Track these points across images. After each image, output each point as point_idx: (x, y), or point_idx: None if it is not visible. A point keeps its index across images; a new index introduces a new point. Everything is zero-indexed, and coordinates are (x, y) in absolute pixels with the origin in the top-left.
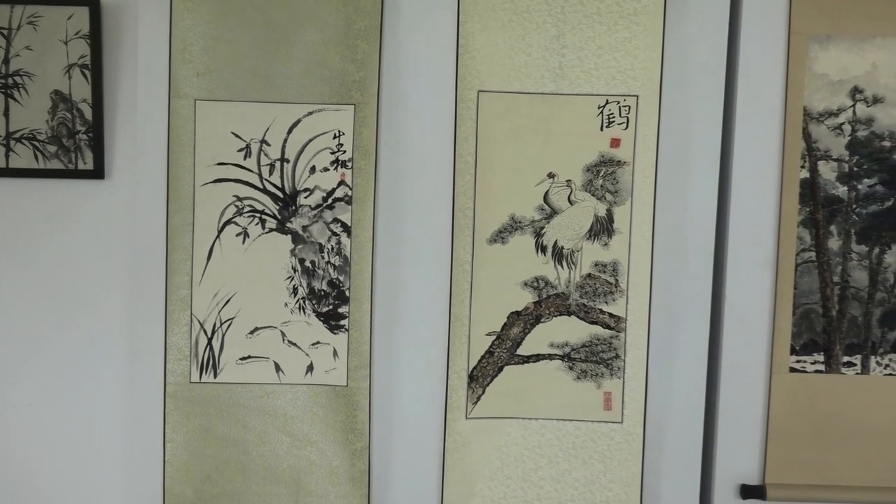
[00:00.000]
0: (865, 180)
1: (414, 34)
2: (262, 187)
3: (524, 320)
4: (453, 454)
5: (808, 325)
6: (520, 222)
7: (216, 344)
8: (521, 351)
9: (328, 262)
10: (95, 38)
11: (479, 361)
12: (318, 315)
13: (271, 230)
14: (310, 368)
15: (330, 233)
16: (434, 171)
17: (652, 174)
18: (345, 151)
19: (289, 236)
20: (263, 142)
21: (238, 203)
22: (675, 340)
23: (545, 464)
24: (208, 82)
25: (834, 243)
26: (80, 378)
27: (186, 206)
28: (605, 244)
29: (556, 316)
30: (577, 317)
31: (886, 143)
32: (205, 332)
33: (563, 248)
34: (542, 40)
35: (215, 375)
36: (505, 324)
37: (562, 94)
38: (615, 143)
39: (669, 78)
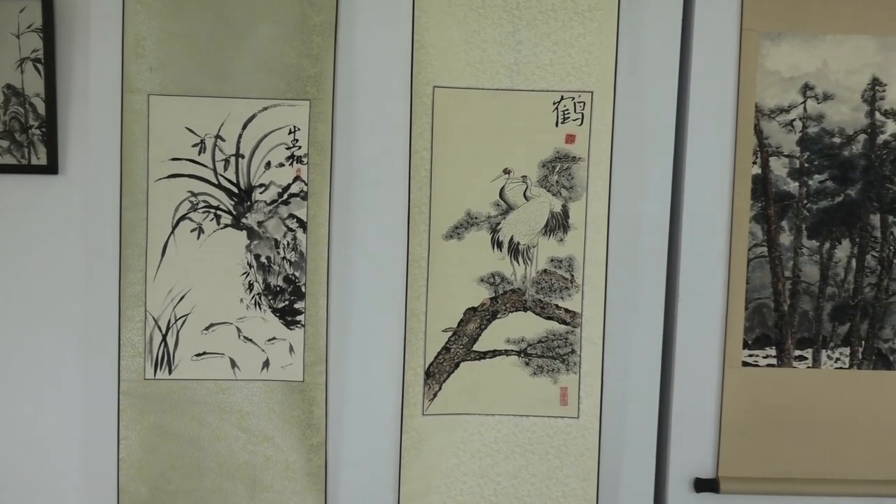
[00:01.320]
0: (816, 176)
1: (369, 30)
2: (216, 183)
3: (480, 316)
4: (410, 450)
5: (760, 320)
6: (476, 218)
7: (171, 340)
8: (478, 347)
9: (284, 258)
10: (48, 31)
11: (436, 357)
12: (274, 311)
13: (226, 226)
14: (266, 364)
15: (285, 228)
16: (389, 167)
17: (606, 170)
18: (300, 147)
19: (244, 232)
20: (218, 137)
21: (192, 199)
22: (630, 335)
23: (502, 459)
24: (162, 77)
25: (785, 238)
26: (34, 376)
27: (140, 201)
28: (561, 240)
29: (512, 312)
30: (534, 312)
31: (836, 140)
32: (159, 328)
33: (518, 243)
34: (497, 36)
35: (170, 372)
36: (461, 320)
37: (517, 90)
38: (570, 138)
39: (623, 74)
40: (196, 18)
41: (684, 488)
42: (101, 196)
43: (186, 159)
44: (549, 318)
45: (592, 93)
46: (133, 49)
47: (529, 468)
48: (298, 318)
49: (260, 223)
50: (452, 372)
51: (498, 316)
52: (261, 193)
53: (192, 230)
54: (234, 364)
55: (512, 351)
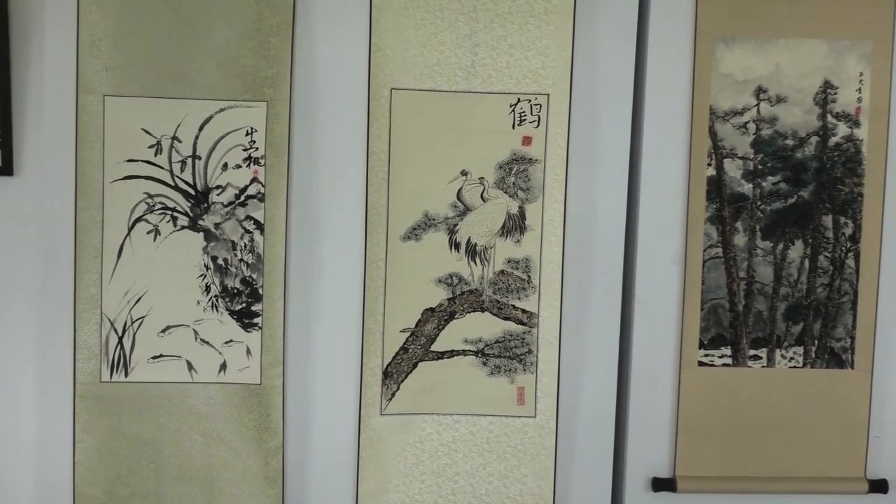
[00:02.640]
0: (769, 178)
1: (326, 31)
2: (173, 184)
3: (438, 317)
4: (368, 450)
5: (715, 320)
6: (433, 219)
7: (127, 343)
8: (436, 347)
9: (241, 260)
10: (2, 31)
11: (394, 358)
12: (232, 313)
13: (183, 228)
14: (223, 367)
15: (243, 230)
16: (347, 169)
17: (563, 172)
18: (257, 148)
19: (201, 234)
20: (175, 138)
21: (149, 200)
22: (587, 335)
23: (460, 459)
24: (118, 78)
25: (740, 239)
26: None
27: (95, 203)
28: (518, 241)
29: (469, 312)
30: (491, 313)
31: (789, 142)
32: (115, 330)
33: (476, 244)
34: (455, 39)
35: (126, 375)
36: (419, 320)
37: (474, 93)
38: (527, 140)
39: (580, 77)
40: (152, 19)
41: (641, 488)
42: (56, 197)
43: (142, 161)
44: (506, 318)
45: (549, 95)
46: (88, 49)
47: (487, 467)
48: (256, 320)
49: (217, 225)
50: (410, 372)
51: (455, 316)
52: (218, 195)
53: (149, 232)
54: (191, 367)
55: (469, 351)
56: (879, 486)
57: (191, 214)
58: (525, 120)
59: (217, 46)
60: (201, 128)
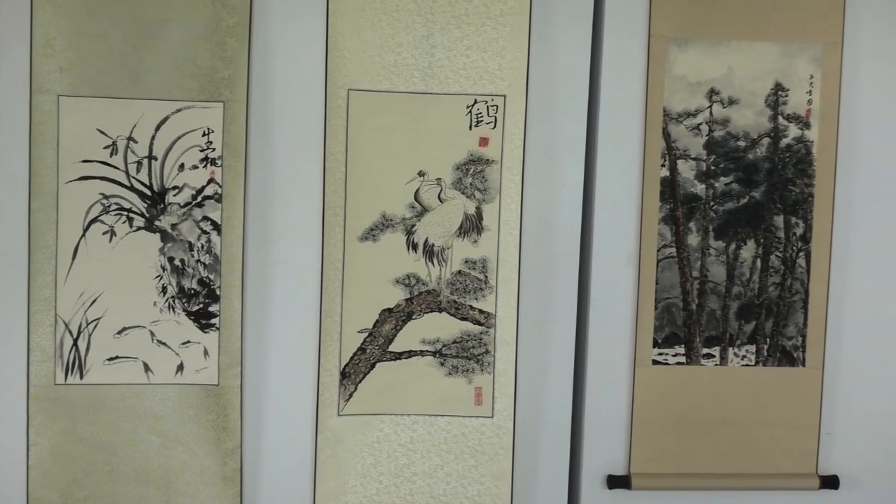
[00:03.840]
0: (722, 178)
1: (283, 32)
2: (129, 185)
3: (396, 317)
4: (325, 451)
5: (669, 319)
6: (391, 220)
7: (82, 344)
8: (394, 348)
9: (198, 261)
10: None
11: (352, 358)
12: (189, 314)
13: (139, 228)
14: (180, 368)
15: (200, 231)
16: (305, 169)
17: (519, 172)
18: (214, 149)
19: (157, 235)
20: (130, 139)
21: (104, 201)
22: (544, 335)
23: (417, 459)
24: (72, 78)
25: (693, 239)
26: None
27: (49, 203)
28: (475, 241)
29: (427, 312)
30: (448, 313)
31: (741, 143)
32: (70, 332)
33: (433, 245)
34: (412, 40)
35: (81, 377)
36: (377, 321)
37: (431, 94)
38: (483, 141)
39: (536, 78)
40: (107, 19)
41: (597, 485)
42: (9, 198)
43: (98, 161)
44: (463, 318)
45: (505, 96)
46: (42, 49)
47: (445, 467)
48: (213, 321)
49: (174, 226)
50: (368, 373)
51: (413, 317)
52: (174, 196)
53: (104, 233)
54: (147, 368)
55: (427, 351)
56: (830, 483)
57: (147, 215)
58: (482, 121)
59: (173, 47)
60: (157, 128)
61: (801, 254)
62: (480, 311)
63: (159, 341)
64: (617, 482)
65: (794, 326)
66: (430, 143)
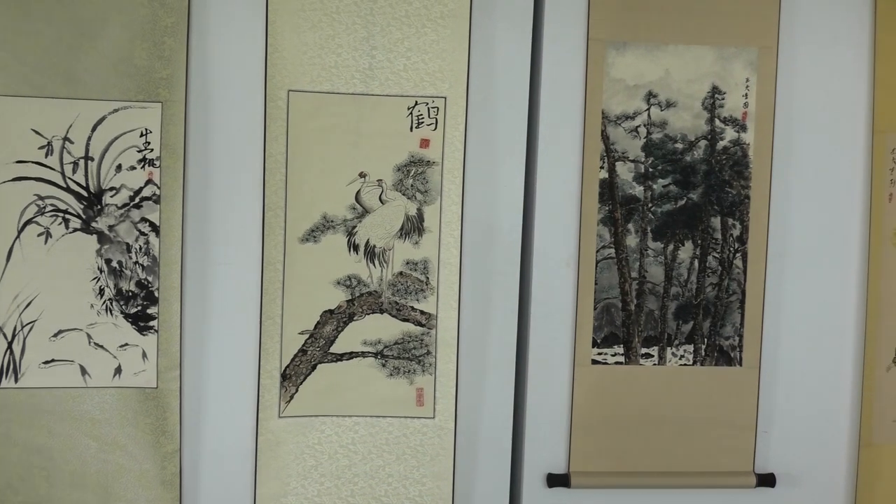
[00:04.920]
0: (660, 180)
1: (222, 32)
2: (65, 186)
3: (337, 319)
4: (266, 453)
5: (608, 319)
6: (332, 221)
7: (17, 348)
8: (335, 349)
9: (136, 263)
10: None
11: (292, 360)
12: (126, 316)
13: (75, 230)
14: (118, 371)
15: (138, 232)
16: (244, 171)
17: (460, 174)
18: (152, 150)
19: (94, 236)
20: (66, 139)
21: (39, 202)
22: (485, 336)
23: (359, 460)
24: (6, 77)
25: (632, 240)
26: None
27: None
28: (416, 243)
29: (368, 314)
30: (390, 314)
31: (679, 146)
32: (4, 335)
33: (374, 246)
34: (352, 41)
35: (16, 380)
36: (318, 322)
37: (372, 95)
38: (424, 143)
39: (476, 80)
40: (42, 17)
41: (538, 484)
42: None
43: (33, 162)
44: (405, 319)
45: (446, 98)
46: None
47: (386, 468)
48: (151, 323)
49: (111, 227)
50: (309, 374)
51: (354, 318)
52: (111, 197)
53: (40, 234)
54: (84, 371)
55: (368, 353)
56: (767, 481)
57: (83, 216)
58: (423, 123)
59: (110, 46)
60: (94, 129)
61: (738, 255)
62: (422, 313)
63: (96, 344)
64: (557, 481)
65: (731, 326)
66: (371, 144)
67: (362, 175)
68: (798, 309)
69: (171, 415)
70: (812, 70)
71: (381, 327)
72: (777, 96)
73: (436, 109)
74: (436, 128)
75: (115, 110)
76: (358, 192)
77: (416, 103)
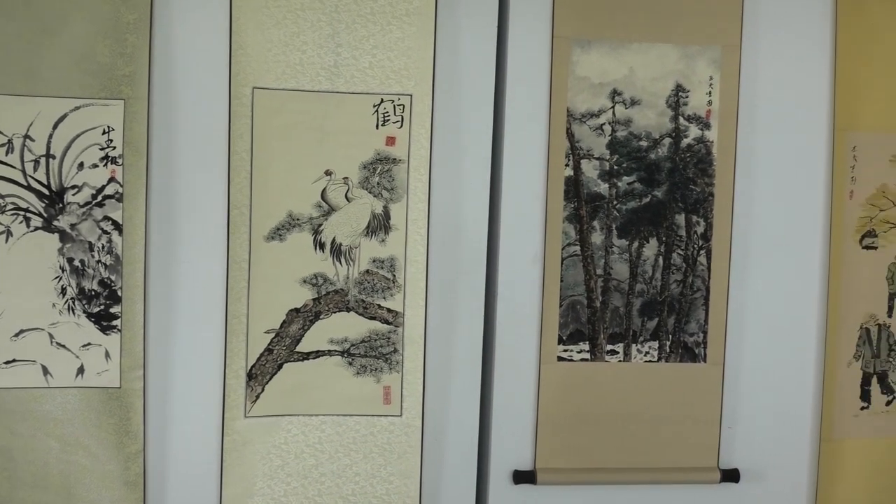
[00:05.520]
0: (625, 178)
1: (186, 29)
2: (26, 184)
3: (303, 317)
4: (232, 453)
5: (574, 316)
6: (297, 219)
7: None
8: (301, 348)
9: (99, 262)
10: None
11: (258, 359)
12: (89, 315)
13: (37, 228)
14: (80, 371)
15: (100, 231)
16: (209, 169)
17: (426, 172)
18: (115, 147)
19: (56, 235)
20: (27, 137)
21: (0, 200)
22: (452, 334)
23: (326, 459)
24: None
25: (597, 238)
26: None
27: None
28: (383, 240)
29: (335, 312)
30: (356, 312)
31: (643, 143)
32: None
33: (341, 244)
34: (317, 39)
35: None
36: (284, 321)
37: (337, 93)
38: (390, 141)
39: (442, 78)
40: (2, 14)
41: (504, 481)
42: None
43: None
44: (371, 317)
45: (412, 96)
46: None
47: (353, 467)
48: (115, 322)
49: (73, 226)
50: (275, 373)
51: (321, 317)
52: (73, 195)
53: (0, 233)
54: (46, 371)
55: (335, 351)
56: (731, 476)
57: (45, 215)
58: (388, 120)
59: (71, 43)
60: (55, 126)
61: (702, 252)
62: (388, 310)
63: (59, 344)
64: (523, 477)
65: (696, 323)
66: (336, 142)
67: (328, 173)
68: (761, 305)
69: (135, 415)
70: (775, 68)
71: (347, 325)
72: (740, 94)
73: (402, 107)
74: (402, 125)
75: (77, 108)
76: (324, 190)
77: (382, 101)
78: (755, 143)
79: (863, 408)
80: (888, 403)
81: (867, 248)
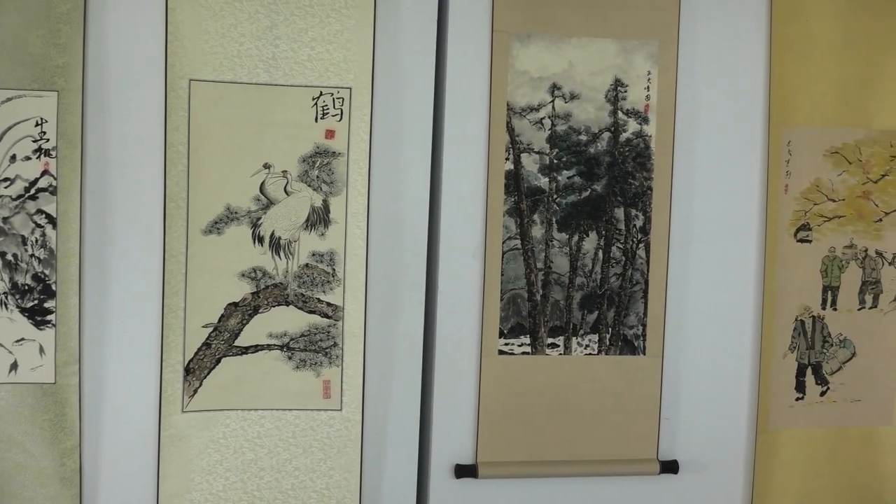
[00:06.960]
0: (565, 172)
1: (120, 20)
2: None
3: (242, 311)
4: (169, 448)
5: (514, 310)
6: (236, 213)
7: None
8: (240, 342)
9: (32, 256)
10: None
11: (196, 354)
12: (23, 310)
13: None
14: (14, 367)
15: (34, 224)
16: (145, 161)
17: (366, 165)
18: (48, 140)
19: None
20: None
21: None
22: (392, 328)
23: (265, 454)
24: None
25: (537, 231)
26: None
27: None
28: (322, 234)
29: (274, 306)
30: (296, 306)
31: (583, 137)
32: None
33: (280, 238)
34: (255, 31)
35: None
36: (222, 315)
37: (276, 85)
38: (330, 134)
39: (382, 71)
40: None
41: (445, 475)
42: None
43: None
44: (311, 311)
45: (351, 89)
46: None
47: (293, 461)
48: (49, 317)
49: (5, 219)
50: (213, 368)
51: (260, 311)
52: (6, 188)
53: None
54: None
55: (274, 345)
56: (670, 467)
57: None
58: (328, 113)
59: (3, 33)
60: None
61: (641, 245)
62: (328, 304)
63: None
64: (464, 471)
65: (635, 316)
66: (275, 135)
67: (267, 166)
68: (699, 298)
69: (70, 410)
70: (711, 63)
71: (287, 320)
72: (678, 89)
73: (341, 100)
74: (341, 118)
75: (9, 99)
76: (262, 184)
77: (321, 94)
78: (693, 137)
79: (798, 399)
80: (822, 394)
81: (802, 241)
